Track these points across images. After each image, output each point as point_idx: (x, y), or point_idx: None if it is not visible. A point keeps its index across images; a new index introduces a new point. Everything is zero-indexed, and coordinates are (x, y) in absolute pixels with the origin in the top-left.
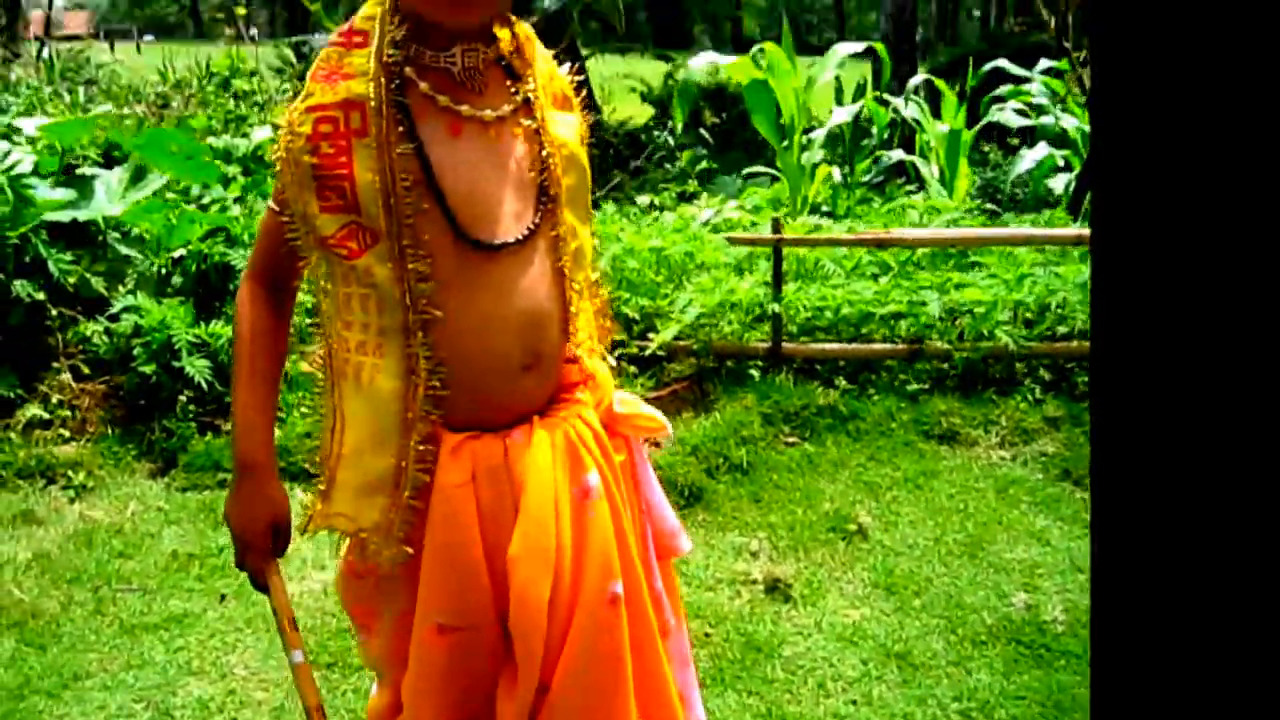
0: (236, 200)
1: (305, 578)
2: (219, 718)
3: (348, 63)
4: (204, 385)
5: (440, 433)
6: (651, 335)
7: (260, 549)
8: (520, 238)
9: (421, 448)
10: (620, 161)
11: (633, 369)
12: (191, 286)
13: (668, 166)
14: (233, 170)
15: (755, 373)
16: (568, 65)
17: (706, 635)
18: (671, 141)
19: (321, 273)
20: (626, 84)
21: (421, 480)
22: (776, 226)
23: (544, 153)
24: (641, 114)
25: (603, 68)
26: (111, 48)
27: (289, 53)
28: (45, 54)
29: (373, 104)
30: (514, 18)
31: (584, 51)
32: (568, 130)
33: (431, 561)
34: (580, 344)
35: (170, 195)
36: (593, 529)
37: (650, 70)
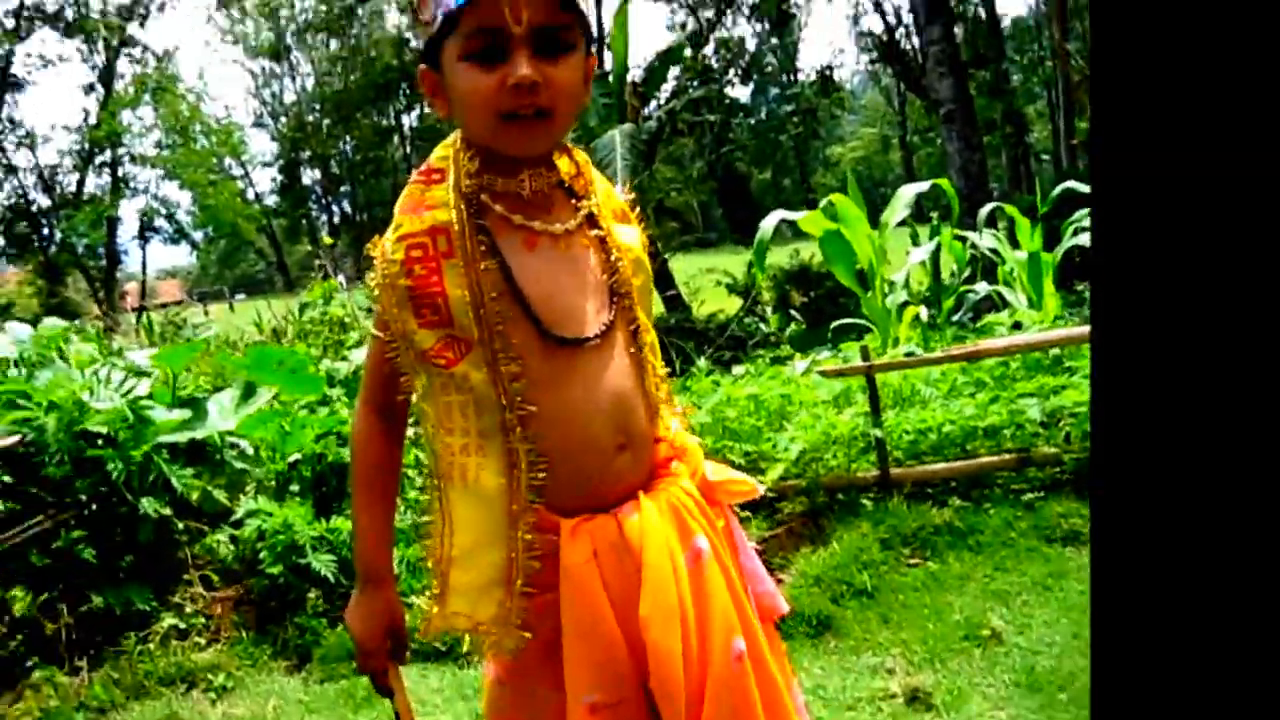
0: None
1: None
2: None
3: (429, 196)
4: (330, 579)
5: (553, 519)
6: (760, 478)
7: (380, 653)
8: (599, 332)
9: (529, 537)
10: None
11: (745, 513)
12: (309, 487)
13: (761, 351)
14: (335, 393)
15: (867, 501)
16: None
17: None
18: (764, 327)
19: (422, 385)
20: (711, 278)
21: (532, 568)
22: (865, 354)
23: (612, 258)
24: (730, 305)
25: (686, 265)
26: (205, 311)
27: None
28: (143, 320)
29: (456, 228)
30: (571, 146)
31: (663, 252)
32: (630, 237)
33: (572, 642)
34: (666, 424)
35: (279, 406)
36: (710, 590)
37: (733, 262)
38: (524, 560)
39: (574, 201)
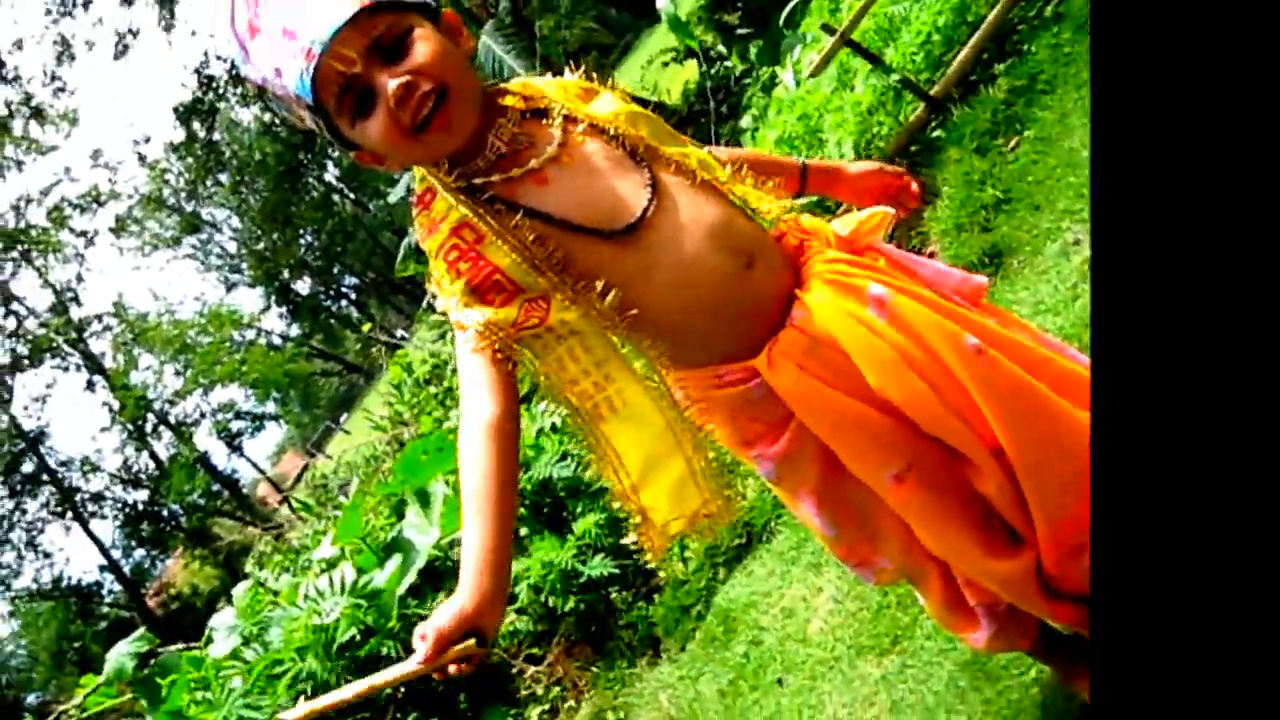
0: None
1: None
2: None
3: (435, 213)
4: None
5: (746, 366)
6: None
7: (444, 639)
8: (648, 198)
9: (688, 416)
10: None
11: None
12: (537, 519)
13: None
14: None
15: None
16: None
17: None
18: (728, 66)
19: (529, 360)
20: (657, 67)
21: (705, 440)
22: (829, 29)
23: (611, 132)
24: (688, 76)
25: (630, 75)
26: (327, 455)
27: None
28: (296, 509)
29: (472, 217)
30: (505, 84)
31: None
32: (606, 103)
33: (837, 445)
34: (775, 216)
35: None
36: (910, 320)
37: (664, 40)
38: (696, 440)
39: (544, 121)
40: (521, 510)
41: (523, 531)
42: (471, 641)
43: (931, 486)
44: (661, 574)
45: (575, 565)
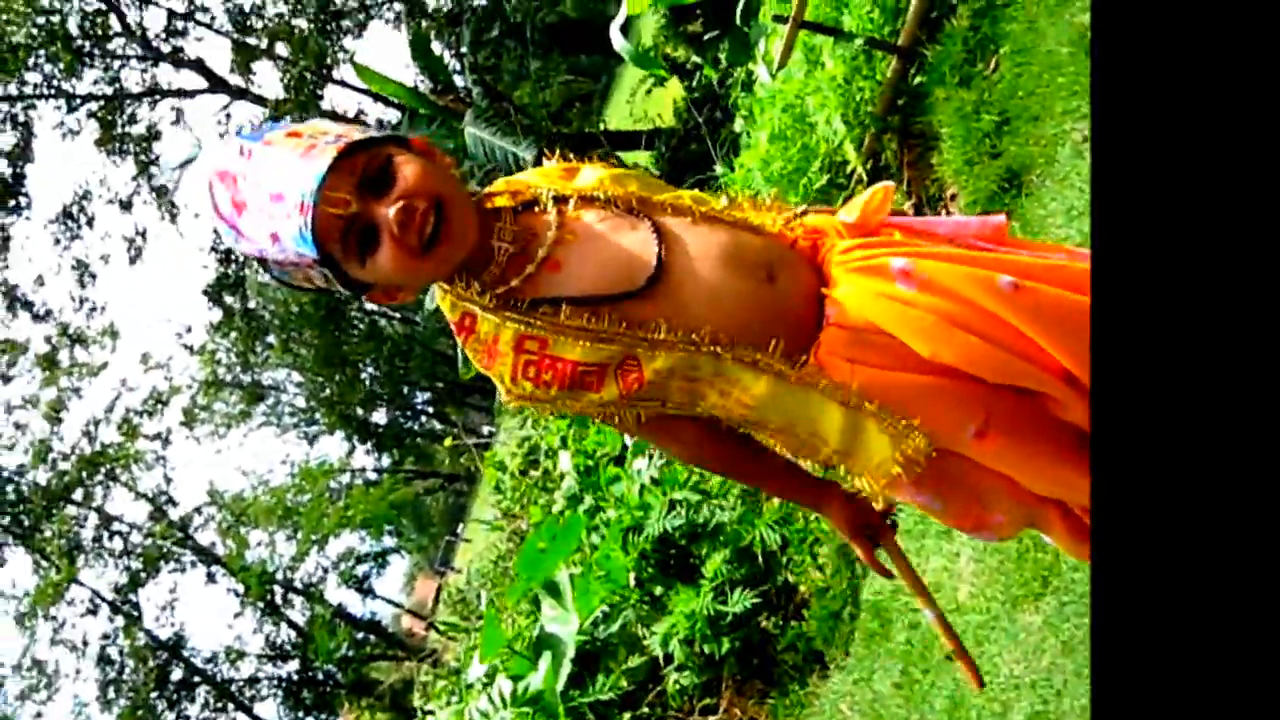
0: None
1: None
2: None
3: (483, 334)
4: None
5: (806, 370)
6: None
7: (861, 543)
8: (657, 245)
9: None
10: None
11: None
12: (662, 571)
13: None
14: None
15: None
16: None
17: None
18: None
19: (661, 405)
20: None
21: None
22: (780, 17)
23: (601, 199)
24: (660, 108)
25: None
26: (455, 569)
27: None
28: (445, 631)
29: (524, 328)
30: (489, 189)
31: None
32: (590, 175)
33: (915, 416)
34: (779, 228)
35: (579, 568)
36: (939, 280)
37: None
38: (849, 392)
39: (536, 209)
40: (649, 569)
41: (657, 591)
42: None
43: (1014, 431)
44: (803, 588)
45: (717, 607)
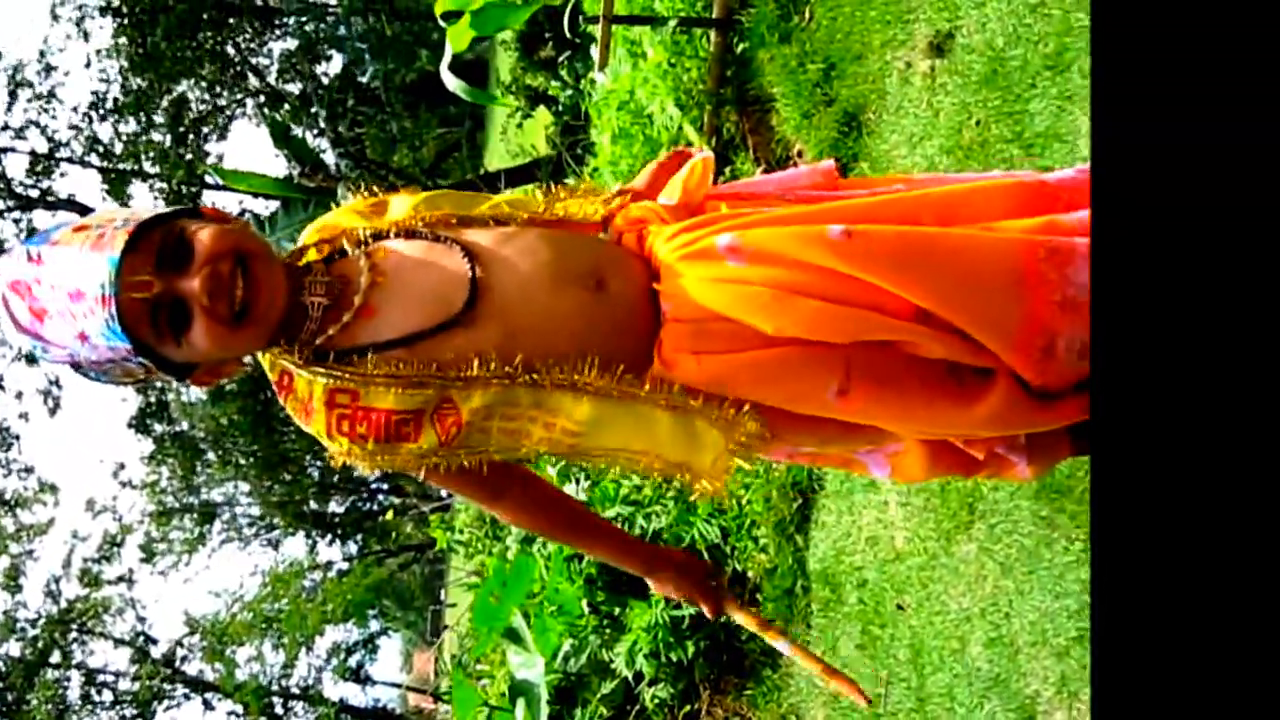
0: None
1: None
2: None
3: (299, 392)
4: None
5: (646, 379)
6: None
7: (707, 599)
8: (469, 266)
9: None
10: None
11: None
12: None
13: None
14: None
15: None
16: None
17: None
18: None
19: (482, 453)
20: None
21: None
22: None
23: (413, 229)
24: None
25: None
26: (440, 629)
27: None
28: (442, 700)
29: (334, 381)
30: (299, 246)
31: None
32: (402, 205)
33: (767, 397)
34: (601, 213)
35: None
36: (767, 247)
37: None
38: (676, 394)
39: (347, 256)
40: (599, 593)
41: (615, 611)
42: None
43: (878, 381)
44: (751, 573)
45: (672, 614)
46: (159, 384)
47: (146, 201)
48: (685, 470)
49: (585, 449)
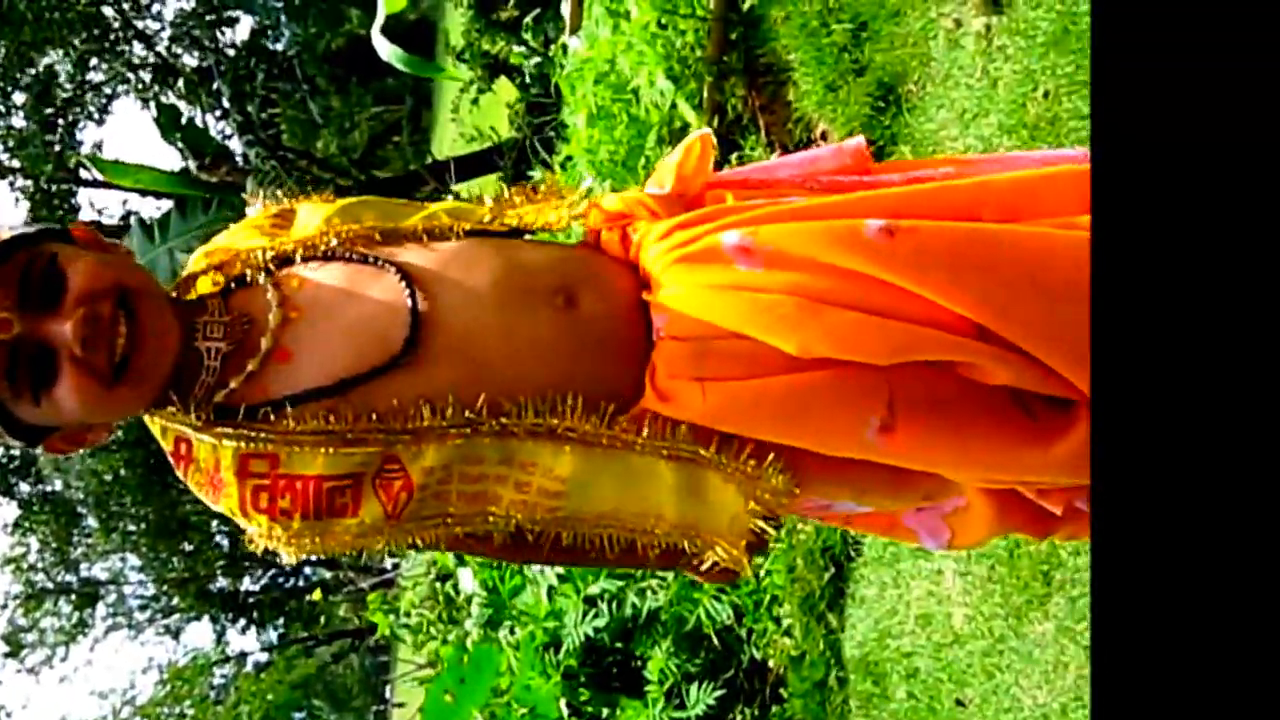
0: None
1: None
2: None
3: (202, 461)
4: None
5: (637, 410)
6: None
7: None
8: (407, 295)
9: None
10: None
11: None
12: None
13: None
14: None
15: None
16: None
17: None
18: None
19: (432, 532)
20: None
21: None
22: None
23: (321, 250)
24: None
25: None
26: None
27: None
28: None
29: (245, 446)
30: (186, 275)
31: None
32: (312, 216)
33: (790, 436)
34: (567, 220)
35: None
36: (788, 247)
37: None
38: (679, 439)
39: (249, 286)
40: (581, 691)
41: (603, 714)
42: None
43: (929, 413)
44: (773, 662)
45: (673, 715)
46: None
47: (4, 202)
48: (695, 535)
49: (569, 515)
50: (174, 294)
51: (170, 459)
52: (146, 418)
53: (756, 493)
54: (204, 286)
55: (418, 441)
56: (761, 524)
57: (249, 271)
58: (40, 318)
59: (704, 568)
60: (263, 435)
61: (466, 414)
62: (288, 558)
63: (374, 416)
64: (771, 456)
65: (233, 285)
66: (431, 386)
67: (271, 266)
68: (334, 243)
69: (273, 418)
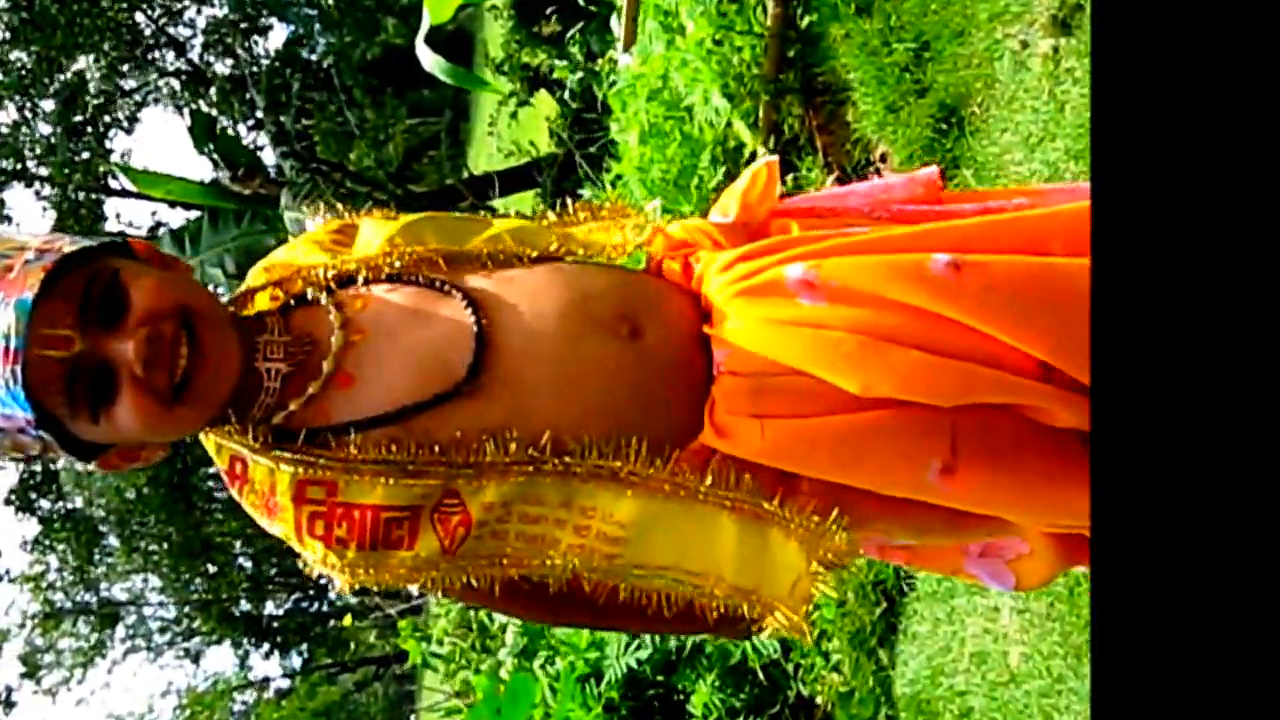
0: None
1: None
2: None
3: (258, 483)
4: None
5: (700, 447)
6: None
7: None
8: (473, 321)
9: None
10: None
11: None
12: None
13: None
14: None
15: None
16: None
17: None
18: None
19: (490, 570)
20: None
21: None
22: None
23: (386, 272)
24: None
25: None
26: None
27: None
28: None
29: (304, 471)
30: (244, 290)
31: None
32: (374, 233)
33: (849, 476)
34: (634, 244)
35: None
36: (853, 282)
37: None
38: (745, 491)
39: (311, 305)
40: None
41: None
42: None
43: (992, 456)
44: (821, 698)
45: None
46: (50, 460)
47: (30, 211)
48: (755, 599)
49: (625, 565)
50: (232, 309)
51: (224, 476)
52: (202, 435)
53: (820, 552)
54: (262, 302)
55: (479, 476)
56: (823, 589)
57: (310, 289)
58: (102, 335)
59: (765, 634)
60: (322, 462)
61: (530, 451)
62: (342, 586)
63: (436, 449)
64: (835, 513)
65: (292, 302)
66: (493, 416)
67: (333, 285)
68: (398, 264)
69: (333, 444)
